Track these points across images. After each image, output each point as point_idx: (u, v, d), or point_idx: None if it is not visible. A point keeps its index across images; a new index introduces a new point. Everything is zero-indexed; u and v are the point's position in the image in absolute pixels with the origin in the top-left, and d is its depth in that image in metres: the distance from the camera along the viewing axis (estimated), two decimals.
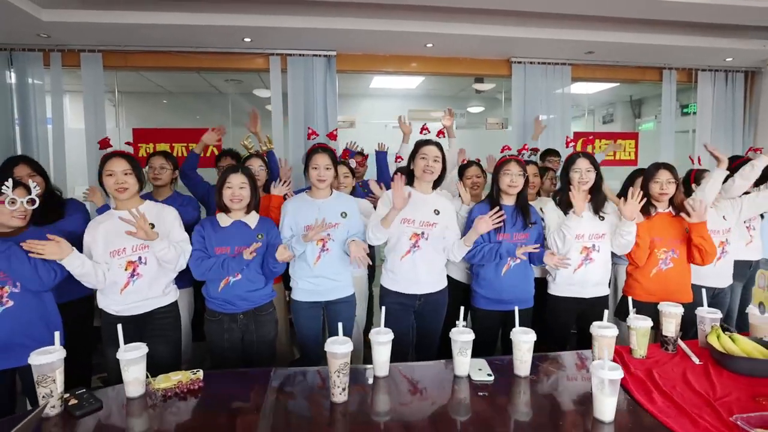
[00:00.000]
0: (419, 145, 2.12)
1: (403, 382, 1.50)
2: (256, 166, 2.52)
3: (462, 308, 1.61)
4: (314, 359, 2.13)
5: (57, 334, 1.31)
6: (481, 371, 1.52)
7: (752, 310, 1.73)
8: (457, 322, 1.56)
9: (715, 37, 3.80)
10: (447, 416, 1.29)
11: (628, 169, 2.66)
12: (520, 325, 2.21)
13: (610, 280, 2.80)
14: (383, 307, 1.69)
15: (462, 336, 1.50)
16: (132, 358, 1.35)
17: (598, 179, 2.23)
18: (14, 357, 1.68)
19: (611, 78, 4.40)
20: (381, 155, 3.06)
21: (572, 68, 4.10)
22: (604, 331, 1.48)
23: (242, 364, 1.98)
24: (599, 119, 6.63)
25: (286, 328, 2.71)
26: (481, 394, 1.40)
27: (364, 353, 2.75)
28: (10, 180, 1.73)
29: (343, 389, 1.33)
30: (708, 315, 1.75)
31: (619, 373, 1.21)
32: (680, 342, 1.75)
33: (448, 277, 2.68)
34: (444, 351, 1.82)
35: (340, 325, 1.44)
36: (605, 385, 1.21)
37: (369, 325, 2.89)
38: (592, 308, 2.19)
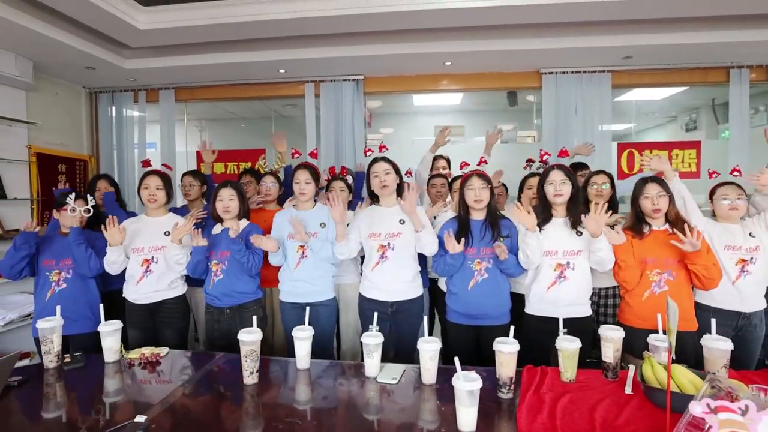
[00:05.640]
0: (369, 166, 2.28)
1: (318, 376, 1.67)
2: (269, 182, 2.90)
3: (376, 314, 1.72)
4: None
5: (58, 308, 1.77)
6: (389, 375, 1.62)
7: (706, 341, 1.54)
8: (370, 327, 1.68)
9: None
10: (327, 407, 1.44)
11: (688, 183, 2.35)
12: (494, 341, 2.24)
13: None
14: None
15: (370, 339, 1.62)
16: (106, 330, 1.74)
17: (575, 191, 2.14)
18: (65, 326, 2.18)
19: (663, 83, 3.96)
20: (359, 175, 3.30)
21: (612, 75, 3.81)
22: (501, 346, 1.48)
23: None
24: (681, 127, 5.88)
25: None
26: (373, 394, 1.51)
27: (361, 354, 2.92)
28: (73, 193, 2.32)
29: (251, 373, 1.55)
30: (661, 344, 1.60)
31: (475, 384, 1.24)
32: (632, 370, 1.62)
33: (438, 287, 2.76)
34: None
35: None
36: (463, 396, 1.25)
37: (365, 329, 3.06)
38: (570, 328, 2.09)
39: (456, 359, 1.32)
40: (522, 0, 2.87)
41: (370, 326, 1.68)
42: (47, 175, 3.77)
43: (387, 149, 2.56)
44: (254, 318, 1.64)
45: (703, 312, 2.18)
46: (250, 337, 1.54)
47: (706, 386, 1.06)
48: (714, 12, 3.00)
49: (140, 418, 1.22)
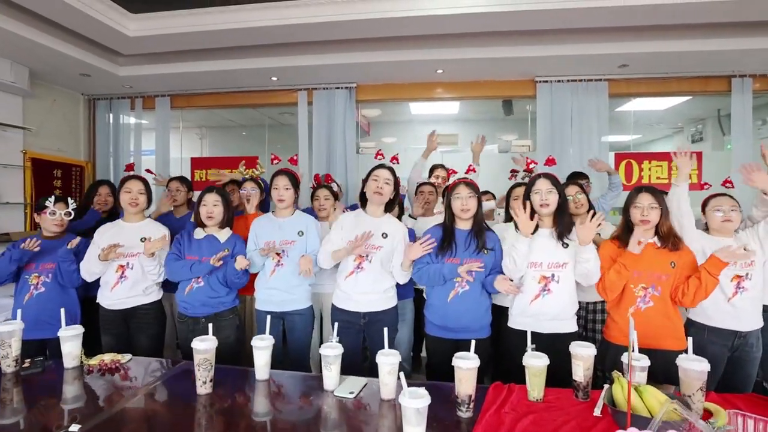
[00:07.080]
0: (373, 169, 2.21)
1: (276, 387, 1.61)
2: (249, 188, 2.87)
3: (336, 324, 1.66)
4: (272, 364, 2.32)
5: (19, 312, 1.75)
6: (347, 389, 1.55)
7: (681, 361, 1.44)
8: (330, 338, 1.62)
9: None
10: (279, 419, 1.38)
11: (689, 194, 2.25)
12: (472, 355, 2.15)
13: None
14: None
15: (328, 350, 1.56)
16: (66, 335, 1.71)
17: (563, 201, 2.06)
18: (42, 330, 2.15)
19: (663, 92, 3.86)
20: None
21: (609, 84, 3.73)
22: (459, 362, 1.40)
23: None
24: (688, 138, 5.74)
25: None
26: (327, 409, 1.45)
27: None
28: (53, 196, 2.32)
29: (204, 382, 1.50)
30: (635, 362, 1.51)
31: (422, 402, 1.17)
32: (605, 391, 1.53)
33: (424, 298, 2.69)
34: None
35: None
36: (410, 415, 1.18)
37: None
38: (551, 345, 1.99)
39: (401, 374, 1.25)
40: (514, 6, 2.83)
41: (330, 337, 1.62)
42: (42, 180, 3.82)
43: (398, 162, 2.53)
44: (210, 326, 1.60)
45: (697, 330, 2.08)
46: (203, 345, 1.49)
47: (665, 410, 0.97)
48: (713, 19, 2.92)
49: (74, 428, 1.18)
